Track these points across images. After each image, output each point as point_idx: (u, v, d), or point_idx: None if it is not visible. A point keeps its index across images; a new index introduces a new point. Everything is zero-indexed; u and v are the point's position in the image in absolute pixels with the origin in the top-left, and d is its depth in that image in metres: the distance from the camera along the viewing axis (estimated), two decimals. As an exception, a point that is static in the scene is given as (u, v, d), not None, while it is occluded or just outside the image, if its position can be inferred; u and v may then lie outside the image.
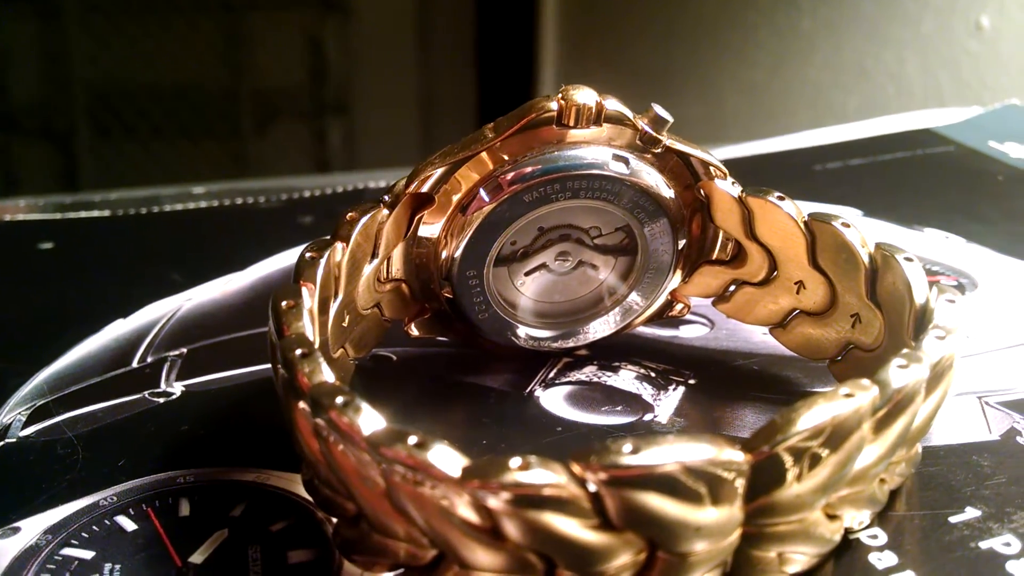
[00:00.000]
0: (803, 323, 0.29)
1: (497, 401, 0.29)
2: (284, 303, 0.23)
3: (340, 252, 0.25)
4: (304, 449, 0.21)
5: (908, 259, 0.25)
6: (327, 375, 0.21)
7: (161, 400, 0.30)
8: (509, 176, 0.27)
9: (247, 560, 0.23)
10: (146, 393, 0.30)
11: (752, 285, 0.29)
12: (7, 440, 0.28)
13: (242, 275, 0.38)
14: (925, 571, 0.22)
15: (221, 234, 0.43)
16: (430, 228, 0.28)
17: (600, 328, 0.30)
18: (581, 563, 0.19)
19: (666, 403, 0.29)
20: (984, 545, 0.22)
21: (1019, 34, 0.71)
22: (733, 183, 0.28)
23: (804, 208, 0.28)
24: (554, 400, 0.29)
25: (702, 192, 0.28)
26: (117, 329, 0.34)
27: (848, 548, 0.22)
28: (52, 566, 0.23)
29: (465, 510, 0.18)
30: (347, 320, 0.27)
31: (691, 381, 0.30)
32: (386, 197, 0.27)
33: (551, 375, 0.30)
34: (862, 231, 0.27)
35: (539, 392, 0.29)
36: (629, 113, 0.27)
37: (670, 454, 0.18)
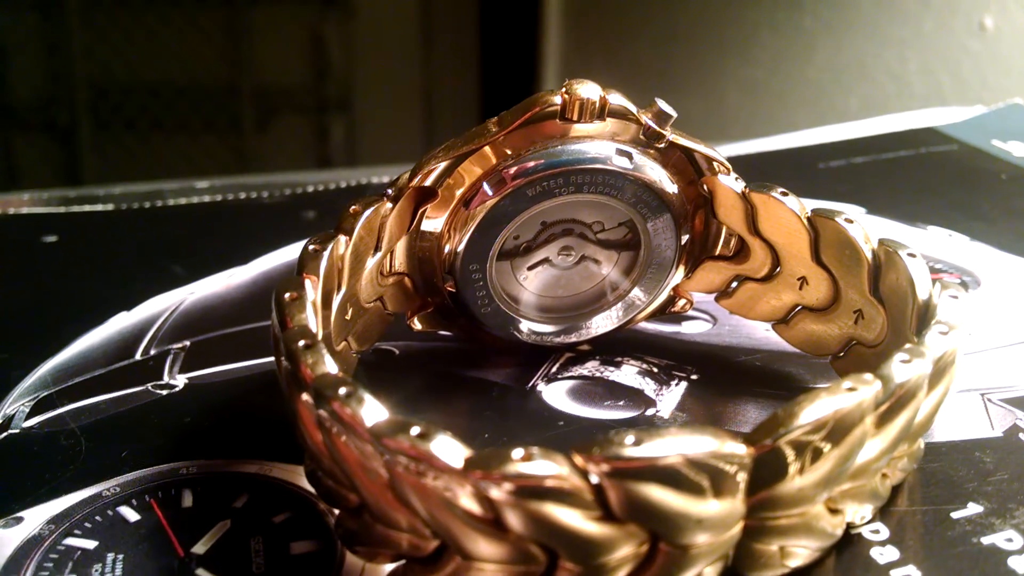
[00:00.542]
0: (806, 319, 0.29)
1: (499, 395, 0.29)
2: (287, 295, 0.23)
3: (343, 245, 0.25)
4: (307, 440, 0.21)
5: (911, 255, 0.25)
6: (330, 366, 0.21)
7: (164, 392, 0.30)
8: (512, 170, 0.27)
9: (249, 551, 0.23)
10: (149, 385, 0.30)
11: (755, 281, 0.29)
12: (11, 431, 0.28)
13: (245, 269, 0.38)
14: (927, 566, 0.22)
15: (224, 228, 0.43)
16: (433, 222, 0.28)
17: (602, 323, 0.30)
18: (583, 555, 0.19)
19: (668, 398, 0.29)
20: (986, 541, 0.22)
21: (1021, 35, 0.71)
22: (736, 179, 0.28)
23: (807, 205, 0.28)
24: (556, 395, 0.29)
25: (705, 187, 0.28)
26: (121, 322, 0.34)
27: (850, 542, 0.22)
28: (55, 556, 0.23)
29: (467, 501, 0.18)
30: (350, 313, 0.27)
31: (693, 376, 0.30)
32: (389, 191, 0.27)
33: (553, 370, 0.30)
34: (865, 227, 0.27)
35: (541, 386, 0.29)
36: (633, 108, 0.27)
37: (672, 446, 0.18)
